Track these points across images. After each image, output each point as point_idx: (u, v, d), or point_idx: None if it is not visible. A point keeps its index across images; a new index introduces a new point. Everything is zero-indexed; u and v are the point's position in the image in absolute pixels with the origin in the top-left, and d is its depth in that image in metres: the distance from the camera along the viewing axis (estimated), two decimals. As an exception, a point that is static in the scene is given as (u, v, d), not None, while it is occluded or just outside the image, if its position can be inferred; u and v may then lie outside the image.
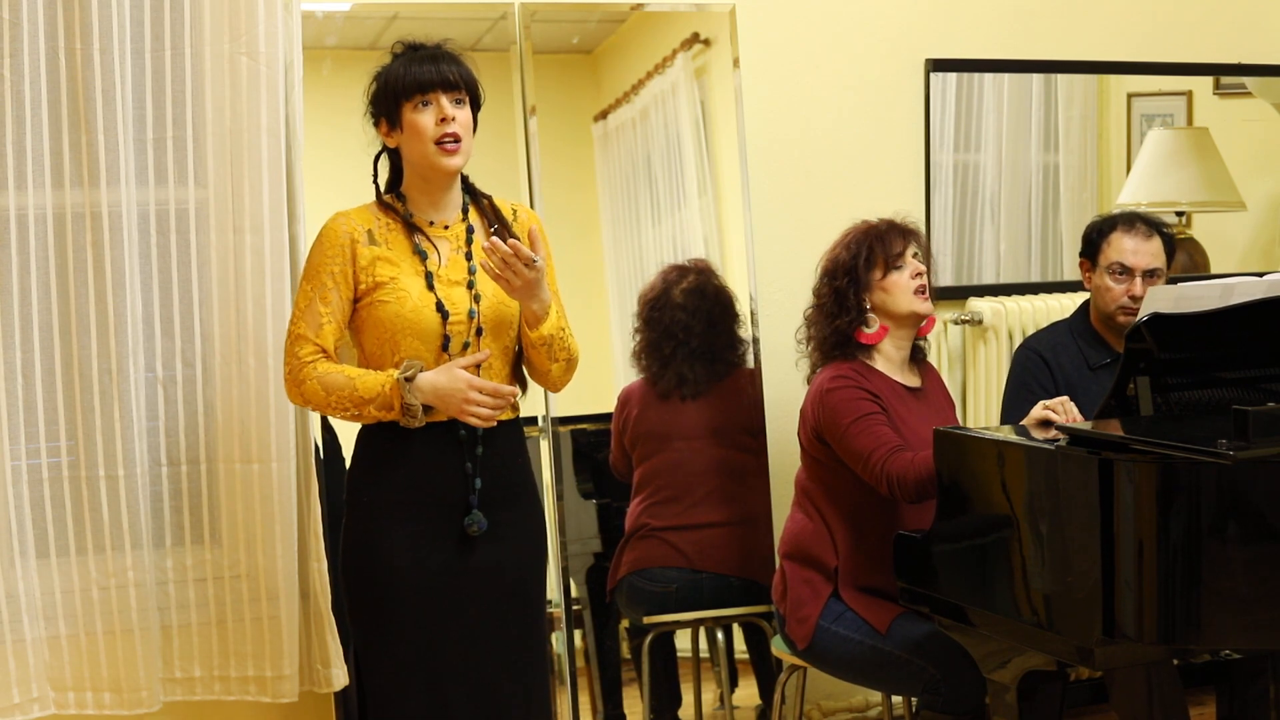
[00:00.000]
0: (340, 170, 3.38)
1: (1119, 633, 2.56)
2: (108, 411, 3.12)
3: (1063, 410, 2.98)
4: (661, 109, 3.86)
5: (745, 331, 3.74)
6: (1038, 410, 3.01)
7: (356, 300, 2.70)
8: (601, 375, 3.73)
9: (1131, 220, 3.47)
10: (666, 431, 3.65)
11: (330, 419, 3.30)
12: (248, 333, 3.15)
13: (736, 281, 3.75)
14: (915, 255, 3.21)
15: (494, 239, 2.62)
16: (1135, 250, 3.41)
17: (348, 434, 3.30)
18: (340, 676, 3.22)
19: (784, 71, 3.93)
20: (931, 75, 4.06)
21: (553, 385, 2.86)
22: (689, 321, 3.64)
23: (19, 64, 3.03)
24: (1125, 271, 3.41)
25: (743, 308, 3.73)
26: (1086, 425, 2.89)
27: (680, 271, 3.70)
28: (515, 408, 2.79)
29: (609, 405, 3.70)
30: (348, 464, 3.29)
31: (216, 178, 3.17)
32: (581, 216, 3.82)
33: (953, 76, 4.09)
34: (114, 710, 3.17)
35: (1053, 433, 2.88)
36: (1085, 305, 3.56)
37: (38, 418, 3.11)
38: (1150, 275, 3.42)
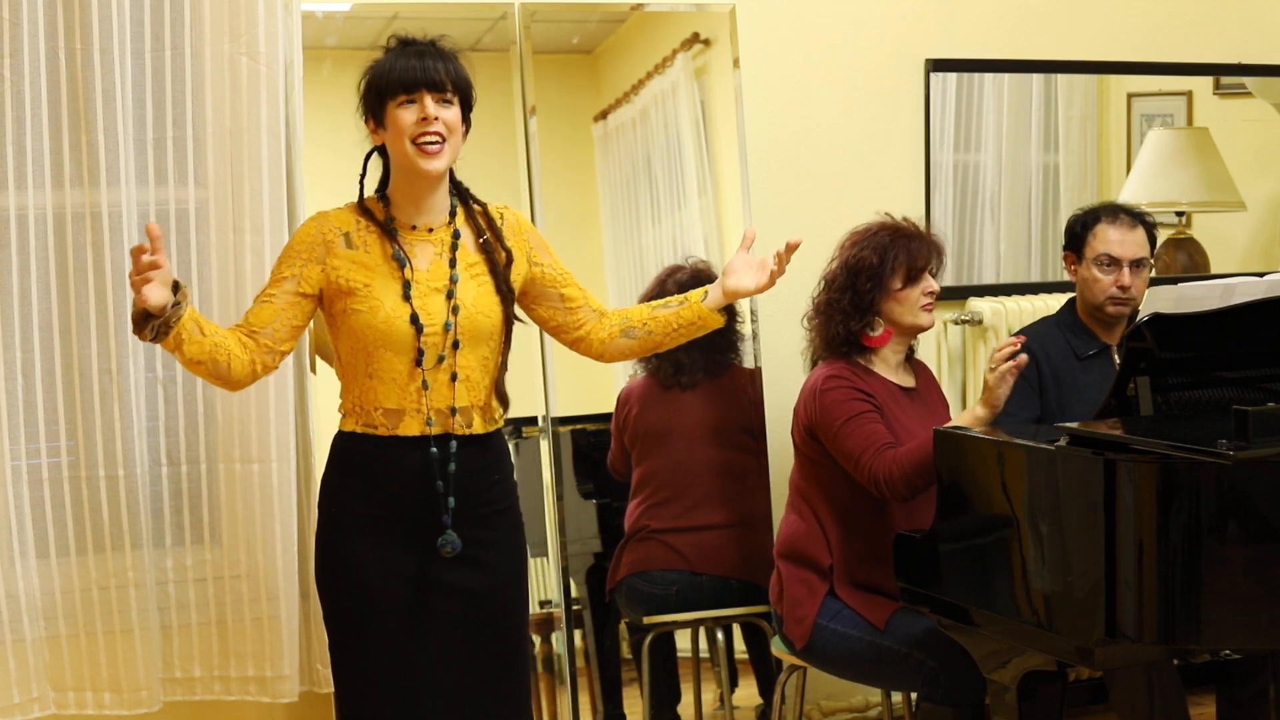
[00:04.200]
0: (340, 170, 3.38)
1: (1119, 633, 2.56)
2: (108, 411, 3.12)
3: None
4: (661, 109, 3.86)
5: (744, 328, 3.74)
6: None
7: (329, 303, 2.64)
8: (601, 375, 3.73)
9: (1114, 211, 3.49)
10: (667, 430, 3.65)
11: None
12: (248, 333, 3.15)
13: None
14: (932, 270, 3.23)
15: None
16: (1121, 240, 3.43)
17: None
18: (340, 676, 3.22)
19: (784, 71, 3.93)
20: (931, 75, 4.05)
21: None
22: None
23: (19, 64, 3.03)
24: (1113, 262, 3.43)
25: (742, 307, 3.73)
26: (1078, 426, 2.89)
27: (675, 269, 3.71)
28: (494, 419, 2.73)
29: (609, 405, 3.70)
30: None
31: (216, 178, 3.17)
32: (581, 216, 3.83)
33: (953, 76, 4.09)
34: (114, 710, 3.17)
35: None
36: (1071, 300, 3.59)
37: (38, 418, 3.11)
38: (1137, 265, 3.44)
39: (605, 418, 3.70)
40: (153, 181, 3.17)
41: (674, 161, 3.88)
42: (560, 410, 3.62)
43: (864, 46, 4.01)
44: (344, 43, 3.56)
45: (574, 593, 3.64)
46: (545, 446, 3.61)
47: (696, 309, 2.81)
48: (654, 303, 2.90)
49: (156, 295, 2.47)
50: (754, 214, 3.79)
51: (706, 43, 3.83)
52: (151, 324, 2.50)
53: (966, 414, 3.12)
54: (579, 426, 3.68)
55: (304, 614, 3.23)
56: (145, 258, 2.45)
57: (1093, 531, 2.57)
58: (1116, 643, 2.59)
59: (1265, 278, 3.00)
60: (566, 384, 3.63)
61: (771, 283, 2.79)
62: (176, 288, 2.51)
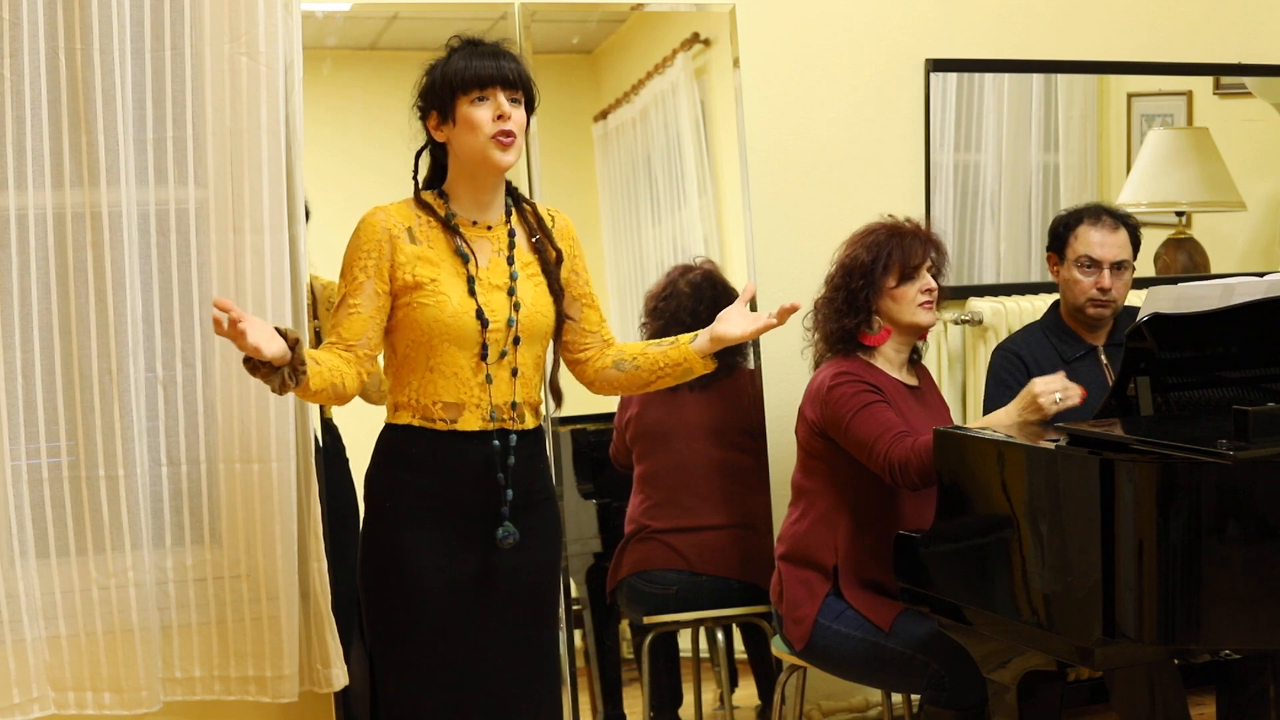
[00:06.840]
0: (340, 170, 3.38)
1: (1119, 633, 2.56)
2: (108, 411, 3.11)
3: (1061, 391, 3.01)
4: (661, 109, 3.86)
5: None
6: (1033, 392, 3.03)
7: (395, 296, 2.65)
8: (601, 375, 3.73)
9: (1097, 213, 3.51)
10: (667, 430, 3.65)
11: (333, 417, 3.31)
12: (248, 332, 3.14)
13: (737, 281, 3.75)
14: (930, 268, 3.23)
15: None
16: (1102, 243, 3.45)
17: (350, 433, 3.31)
18: (340, 676, 3.22)
19: (784, 71, 3.94)
20: (931, 75, 4.05)
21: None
22: (695, 308, 3.63)
23: (19, 64, 3.03)
24: (1093, 264, 3.45)
25: (743, 308, 3.74)
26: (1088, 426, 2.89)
27: (686, 268, 3.72)
28: (539, 414, 2.79)
29: (609, 405, 3.70)
30: (349, 463, 3.31)
31: (216, 178, 3.17)
32: (581, 216, 3.80)
33: (953, 76, 4.09)
34: (114, 710, 3.17)
35: (1053, 407, 2.97)
36: (1055, 304, 3.60)
37: (38, 418, 3.11)
38: (1118, 267, 3.45)
39: (605, 418, 3.70)
40: (153, 181, 3.17)
41: (674, 161, 3.88)
42: (560, 410, 3.61)
43: (864, 46, 4.01)
44: (344, 43, 3.56)
45: (574, 593, 3.64)
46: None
47: (684, 350, 2.81)
48: (649, 341, 2.92)
49: (272, 347, 2.45)
50: (754, 214, 3.79)
51: (706, 43, 3.83)
52: (279, 374, 2.48)
53: (1002, 414, 3.11)
54: (579, 426, 3.68)
55: (304, 614, 3.23)
56: (227, 329, 2.40)
57: (1093, 531, 2.57)
58: (1116, 643, 2.59)
59: (1265, 278, 3.00)
60: (567, 384, 3.60)
61: (760, 330, 2.77)
62: (282, 334, 2.49)
